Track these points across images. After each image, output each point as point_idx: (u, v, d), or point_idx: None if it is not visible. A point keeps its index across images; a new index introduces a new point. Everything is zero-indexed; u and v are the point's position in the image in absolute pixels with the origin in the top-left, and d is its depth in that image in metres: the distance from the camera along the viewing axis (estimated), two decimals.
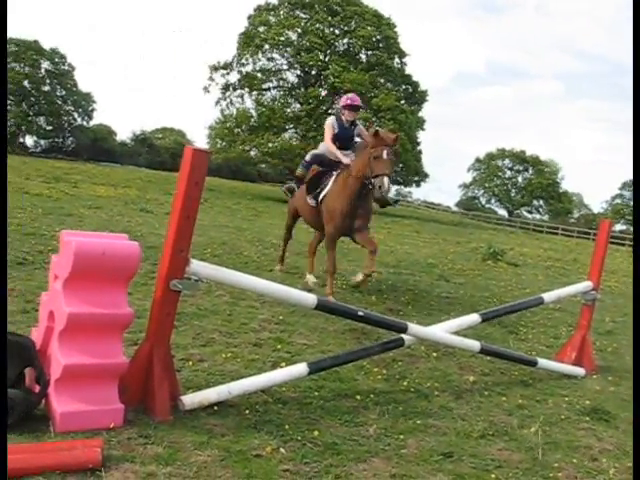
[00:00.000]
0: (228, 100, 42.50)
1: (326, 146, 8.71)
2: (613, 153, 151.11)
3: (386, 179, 7.38)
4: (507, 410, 4.99)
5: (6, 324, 3.80)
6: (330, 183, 8.35)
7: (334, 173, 8.40)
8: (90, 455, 3.19)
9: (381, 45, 41.92)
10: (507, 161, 78.39)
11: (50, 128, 71.67)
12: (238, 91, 42.27)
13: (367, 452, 3.89)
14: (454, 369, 5.89)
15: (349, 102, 8.58)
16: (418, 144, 43.27)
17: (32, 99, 69.47)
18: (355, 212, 7.95)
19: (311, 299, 4.52)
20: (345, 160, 8.19)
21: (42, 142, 74.35)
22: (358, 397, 4.79)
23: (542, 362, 6.06)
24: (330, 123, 8.69)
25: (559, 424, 4.83)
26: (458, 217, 60.43)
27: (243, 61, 41.78)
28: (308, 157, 9.01)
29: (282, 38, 40.53)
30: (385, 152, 7.44)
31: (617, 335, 8.68)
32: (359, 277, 8.09)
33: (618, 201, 78.14)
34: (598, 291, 6.52)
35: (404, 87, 43.28)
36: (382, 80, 41.79)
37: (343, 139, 8.55)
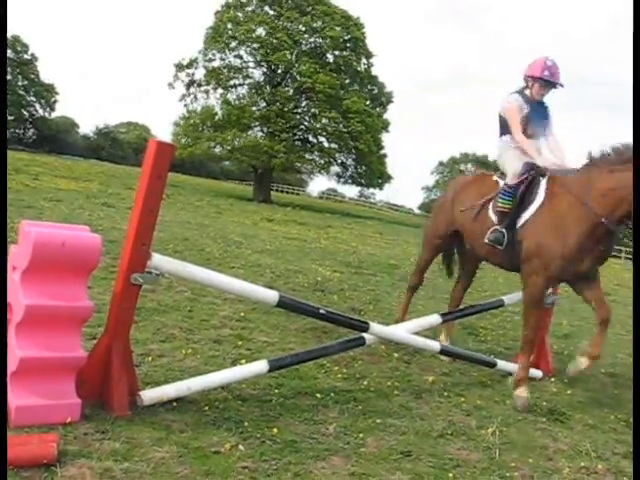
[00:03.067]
0: (193, 96, 42.21)
1: (507, 141, 6.05)
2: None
3: None
4: (466, 410, 5.03)
5: (6, 324, 3.73)
6: (536, 202, 5.58)
7: (542, 184, 5.63)
8: (45, 450, 3.14)
9: (349, 45, 41.97)
10: (469, 165, 79.11)
11: (12, 118, 70.43)
12: (203, 87, 41.97)
13: (326, 450, 3.89)
14: (414, 369, 5.92)
15: (548, 75, 5.78)
16: (382, 147, 43.43)
17: None
18: (585, 255, 5.30)
19: (272, 296, 4.50)
20: (549, 163, 5.69)
21: None
22: (318, 395, 4.79)
23: (501, 363, 6.13)
24: (517, 105, 5.87)
25: (516, 425, 4.89)
26: (420, 219, 60.78)
27: (210, 56, 41.49)
28: (512, 179, 5.76)
29: (250, 35, 40.34)
30: None
31: (574, 339, 8.80)
32: (583, 364, 5.54)
33: None
34: (557, 295, 6.61)
35: (370, 88, 43.39)
36: (349, 81, 41.86)
37: (537, 123, 5.92)
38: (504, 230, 5.68)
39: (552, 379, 6.29)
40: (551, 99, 6.03)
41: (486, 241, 5.81)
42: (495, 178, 6.30)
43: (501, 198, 5.73)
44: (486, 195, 6.09)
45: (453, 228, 6.58)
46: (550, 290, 6.41)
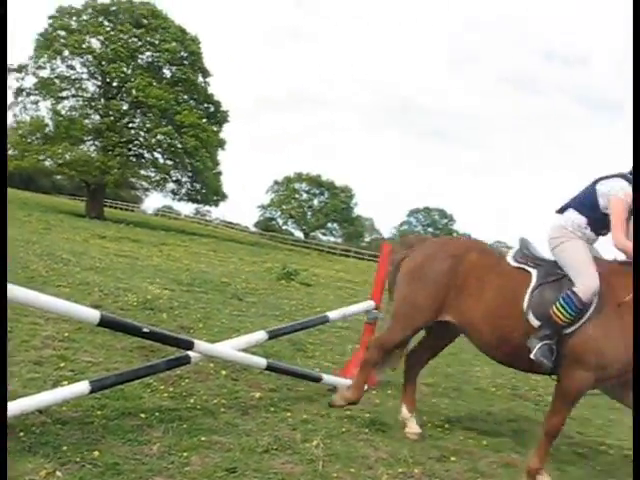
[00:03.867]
0: (21, 105, 40.13)
1: (583, 235, 4.94)
2: (403, 182, 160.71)
3: None
4: (291, 425, 5.12)
5: (6, 323, 3.44)
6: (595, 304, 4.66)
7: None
8: None
9: (186, 62, 41.66)
10: (304, 184, 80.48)
11: None
12: (32, 97, 40.04)
13: (149, 471, 3.84)
14: (242, 386, 5.95)
15: None
16: (218, 163, 43.37)
17: None
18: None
19: (94, 315, 4.38)
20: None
21: None
22: (143, 415, 4.70)
23: (327, 378, 6.29)
24: (623, 199, 4.74)
25: (340, 437, 5.03)
26: (256, 237, 61.13)
27: (40, 64, 39.60)
28: (587, 296, 4.60)
29: (84, 45, 39.01)
30: None
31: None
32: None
33: (405, 227, 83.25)
34: (380, 310, 6.87)
35: (206, 106, 43.24)
36: (186, 97, 41.51)
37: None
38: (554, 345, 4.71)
39: (374, 391, 6.53)
40: None
41: (532, 357, 4.69)
42: (511, 261, 5.17)
43: (565, 306, 4.63)
44: (518, 290, 4.95)
45: (444, 317, 5.26)
46: (373, 305, 6.69)
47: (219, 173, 43.83)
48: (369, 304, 6.77)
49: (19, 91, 39.67)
